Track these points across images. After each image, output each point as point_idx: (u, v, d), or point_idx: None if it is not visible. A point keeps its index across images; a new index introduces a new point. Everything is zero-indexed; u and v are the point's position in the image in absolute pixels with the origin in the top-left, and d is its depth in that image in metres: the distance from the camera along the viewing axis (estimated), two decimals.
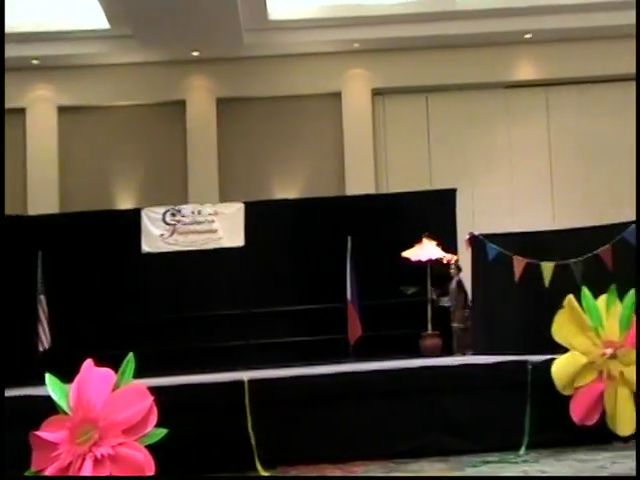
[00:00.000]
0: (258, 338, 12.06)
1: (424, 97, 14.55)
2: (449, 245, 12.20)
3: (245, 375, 7.91)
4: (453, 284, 11.02)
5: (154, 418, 5.96)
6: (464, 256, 11.58)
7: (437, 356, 11.14)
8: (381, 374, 7.91)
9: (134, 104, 14.25)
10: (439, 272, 11.82)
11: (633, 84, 14.35)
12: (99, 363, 6.17)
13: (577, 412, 7.64)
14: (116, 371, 6.09)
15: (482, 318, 10.94)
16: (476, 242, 11.08)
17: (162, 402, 6.10)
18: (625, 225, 10.34)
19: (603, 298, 7.93)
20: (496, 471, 6.90)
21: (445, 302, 11.86)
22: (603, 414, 7.65)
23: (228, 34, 13.33)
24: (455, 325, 10.85)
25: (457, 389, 7.85)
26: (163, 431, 5.96)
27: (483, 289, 11.01)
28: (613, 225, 10.56)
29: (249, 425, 7.27)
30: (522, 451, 7.48)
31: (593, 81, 14.35)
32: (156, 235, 12.48)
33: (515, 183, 14.32)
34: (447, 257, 11.75)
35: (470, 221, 13.68)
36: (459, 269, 10.99)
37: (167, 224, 12.56)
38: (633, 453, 7.32)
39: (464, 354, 10.55)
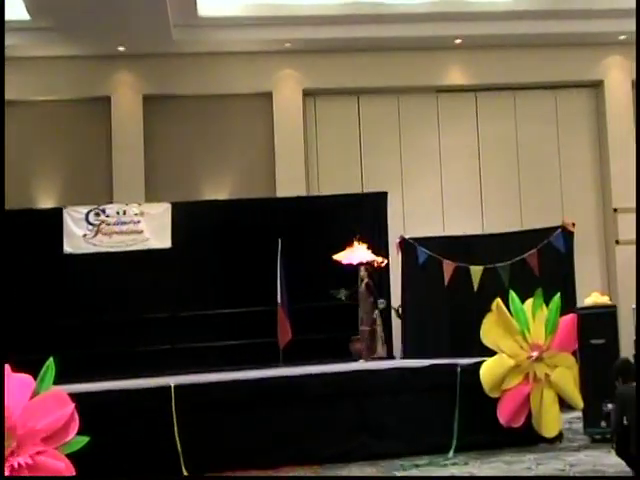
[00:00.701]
0: (185, 342, 11.95)
1: (355, 99, 14.68)
2: (380, 248, 12.35)
3: (171, 380, 7.87)
4: (362, 287, 10.95)
5: (75, 425, 5.87)
6: (395, 260, 11.74)
7: (367, 360, 11.24)
8: (310, 378, 7.97)
9: (57, 99, 13.94)
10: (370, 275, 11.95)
11: (563, 92, 14.84)
12: (17, 368, 6.02)
13: (504, 414, 7.86)
14: (35, 377, 5.97)
15: (412, 322, 11.12)
16: (406, 246, 11.27)
17: (84, 409, 6.03)
18: (551, 230, 10.69)
19: (530, 302, 8.18)
20: (425, 474, 7.04)
21: (379, 304, 11.99)
22: (529, 416, 7.89)
23: (156, 29, 13.17)
24: (363, 328, 10.80)
25: (386, 392, 7.98)
26: (85, 439, 5.87)
27: (413, 293, 11.19)
28: (539, 230, 10.89)
29: (175, 431, 7.24)
30: (451, 454, 7.65)
31: (523, 87, 14.73)
32: (79, 235, 12.26)
33: (446, 187, 14.58)
34: (378, 260, 11.89)
35: (401, 225, 13.86)
36: (367, 272, 10.96)
37: (90, 224, 12.36)
38: (558, 454, 7.59)
39: (369, 359, 10.55)
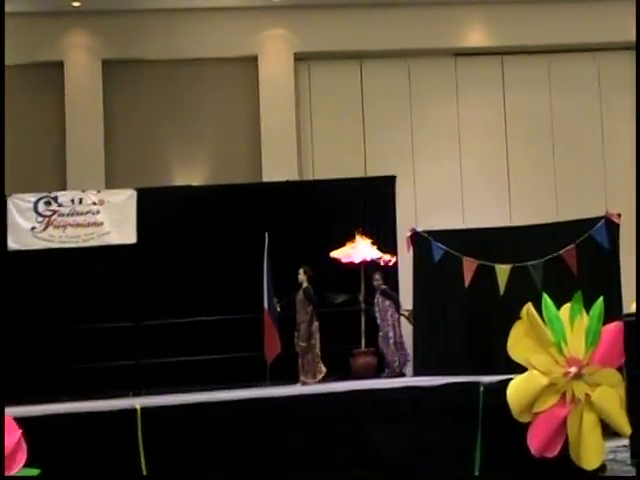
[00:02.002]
0: (152, 357, 11.93)
1: (358, 65, 14.66)
2: (387, 244, 12.34)
3: (137, 402, 7.84)
4: (300, 294, 10.88)
5: (22, 455, 5.92)
6: (405, 257, 11.73)
7: (370, 377, 11.24)
8: (301, 400, 7.93)
9: None
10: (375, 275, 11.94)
11: (605, 55, 14.81)
12: None
13: (536, 442, 7.82)
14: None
15: (424, 331, 11.10)
16: (419, 240, 11.23)
17: (33, 436, 6.04)
18: (592, 221, 10.66)
19: (567, 307, 8.15)
20: None
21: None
22: (565, 444, 7.87)
23: None
24: (300, 344, 10.71)
25: (393, 417, 7.94)
26: (34, 471, 5.91)
27: (427, 296, 11.17)
28: (578, 221, 10.87)
29: (142, 462, 7.23)
30: None
31: (558, 50, 14.71)
32: (26, 228, 12.26)
33: (466, 170, 14.57)
34: (384, 258, 11.88)
35: (412, 215, 13.85)
36: (307, 274, 10.87)
37: (40, 215, 12.36)
38: None
39: (305, 383, 10.52)
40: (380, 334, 11.20)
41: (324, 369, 10.79)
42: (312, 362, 10.75)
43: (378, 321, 11.24)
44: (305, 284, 11.00)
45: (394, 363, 11.13)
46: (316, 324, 10.84)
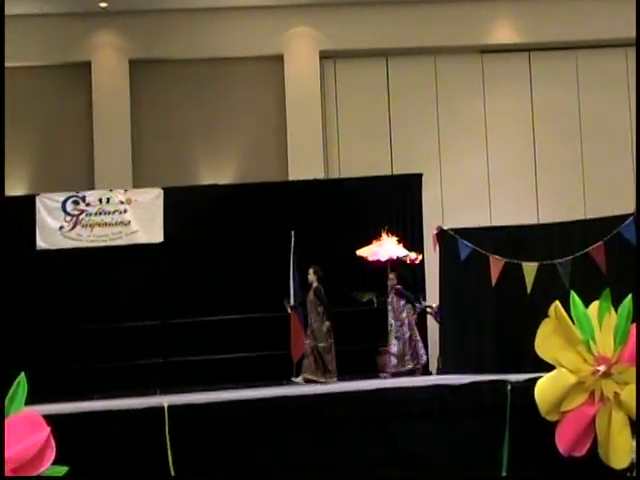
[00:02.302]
0: (180, 355, 11.99)
1: (384, 62, 14.64)
2: (413, 242, 12.32)
3: (165, 400, 7.89)
4: (310, 294, 10.80)
5: (51, 453, 5.91)
6: (431, 255, 11.70)
7: (397, 375, 11.24)
8: (328, 398, 7.94)
9: (27, 66, 14.01)
10: (401, 273, 11.92)
11: (634, 50, 14.67)
12: None
13: (564, 441, 7.79)
14: (3, 396, 6.02)
15: (451, 330, 11.07)
16: (446, 238, 11.19)
17: (62, 434, 6.05)
18: (621, 218, 10.58)
19: (595, 305, 8.10)
20: None
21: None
22: (594, 443, 7.82)
23: None
24: (319, 345, 10.57)
25: (420, 415, 7.93)
26: (62, 469, 5.91)
27: (453, 295, 11.14)
28: (607, 218, 10.78)
29: (170, 461, 7.26)
30: None
31: (587, 46, 14.61)
32: (54, 228, 12.34)
33: (493, 167, 14.50)
34: (411, 256, 11.86)
35: (439, 213, 13.82)
36: (317, 274, 10.78)
37: (68, 214, 12.44)
38: None
39: (311, 381, 10.41)
40: (391, 333, 11.20)
41: (332, 371, 10.68)
42: (332, 361, 10.69)
43: (391, 320, 11.23)
44: (315, 284, 10.89)
45: (399, 364, 11.12)
46: (327, 324, 10.73)
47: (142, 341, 12.04)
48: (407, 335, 11.24)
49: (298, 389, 9.37)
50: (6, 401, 6.01)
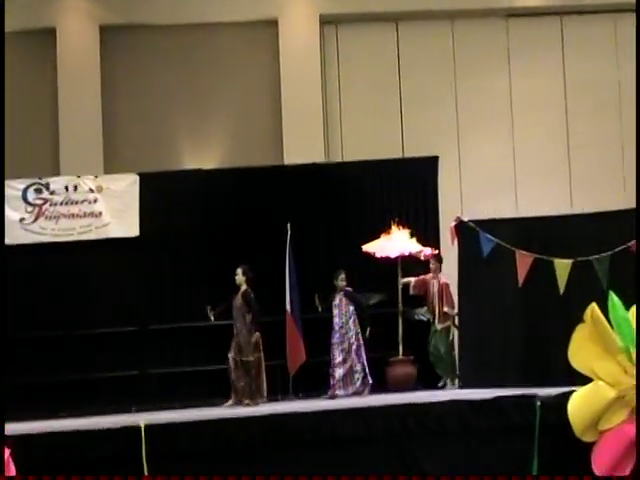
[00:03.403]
0: (159, 366, 12.01)
1: (393, 28, 14.63)
2: (428, 235, 12.31)
3: (141, 418, 7.92)
4: (237, 298, 10.67)
5: (10, 474, 6.00)
6: (449, 250, 11.71)
7: (410, 390, 11.25)
8: (331, 415, 7.98)
9: None
10: (413, 272, 11.95)
11: None
12: None
13: (602, 463, 7.81)
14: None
15: (471, 337, 11.09)
16: (465, 231, 11.20)
17: (23, 456, 6.14)
18: None
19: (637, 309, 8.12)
20: None
21: (422, 315, 12.00)
22: (637, 466, 7.84)
23: None
24: (242, 358, 10.44)
25: (436, 434, 7.96)
26: None
27: (474, 295, 11.16)
28: None
29: None
30: None
31: (625, 9, 14.57)
32: (13, 220, 12.33)
33: (519, 149, 14.50)
34: (425, 252, 11.87)
35: (457, 202, 13.83)
36: (246, 275, 10.72)
37: (29, 204, 12.44)
38: None
39: (244, 403, 10.26)
40: (334, 342, 10.99)
41: (262, 389, 10.53)
42: (252, 382, 10.46)
43: (335, 327, 11.04)
44: (244, 287, 10.80)
45: (346, 383, 10.89)
46: (256, 335, 10.60)
47: (116, 350, 12.03)
48: (354, 348, 10.93)
49: (294, 405, 9.39)
50: None
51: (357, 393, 10.83)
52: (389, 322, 11.71)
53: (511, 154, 14.54)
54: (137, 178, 12.52)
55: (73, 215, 12.44)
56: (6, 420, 7.72)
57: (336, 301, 11.19)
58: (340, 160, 14.10)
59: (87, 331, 12.05)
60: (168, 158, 14.01)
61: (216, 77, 14.34)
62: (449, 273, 11.90)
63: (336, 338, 11.06)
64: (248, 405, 10.22)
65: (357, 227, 12.36)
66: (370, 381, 10.92)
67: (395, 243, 11.73)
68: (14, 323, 11.97)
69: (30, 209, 12.44)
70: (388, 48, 14.66)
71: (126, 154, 13.99)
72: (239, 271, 10.89)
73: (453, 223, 11.26)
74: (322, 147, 14.17)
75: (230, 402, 10.45)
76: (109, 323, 12.09)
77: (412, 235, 11.93)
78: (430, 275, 11.82)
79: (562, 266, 10.46)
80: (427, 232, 12.41)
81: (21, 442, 6.86)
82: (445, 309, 11.65)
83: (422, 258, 11.88)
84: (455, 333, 11.82)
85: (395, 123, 14.49)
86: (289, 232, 11.63)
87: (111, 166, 13.80)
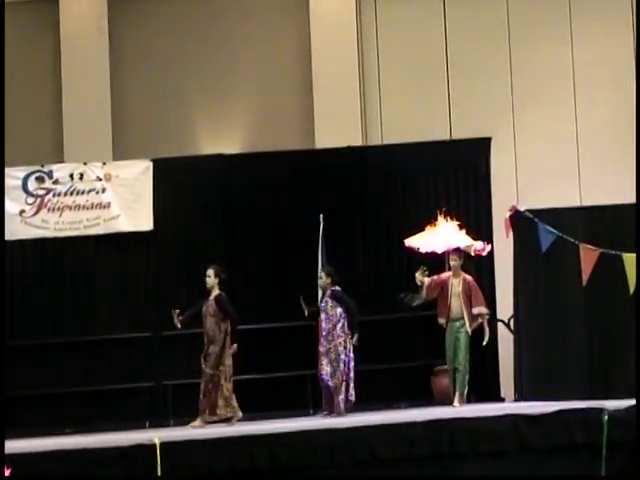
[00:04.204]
0: (175, 376, 12.06)
1: None
2: (479, 227, 12.27)
3: (156, 435, 7.93)
4: (210, 304, 10.41)
5: None
6: (503, 244, 11.65)
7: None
8: (370, 431, 7.96)
9: None
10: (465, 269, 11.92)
11: None
12: None
13: None
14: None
15: (529, 342, 11.04)
16: (522, 222, 11.15)
17: (26, 477, 6.13)
18: None
19: None
20: None
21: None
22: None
23: None
24: (207, 370, 10.27)
25: (491, 454, 7.93)
26: None
27: (532, 295, 11.11)
28: None
29: None
30: None
31: None
32: (12, 212, 12.42)
33: (582, 128, 14.39)
34: (476, 246, 11.82)
35: (512, 189, 13.75)
36: (219, 276, 10.47)
37: (30, 195, 12.52)
38: None
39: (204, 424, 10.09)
40: (321, 351, 10.69)
41: (236, 407, 10.33)
42: (220, 396, 10.27)
43: (322, 332, 10.74)
44: (216, 291, 10.56)
45: (336, 400, 10.57)
46: (234, 347, 10.38)
47: (127, 358, 12.10)
48: (341, 357, 10.61)
49: (326, 421, 9.39)
50: None
51: (337, 413, 10.48)
52: (433, 327, 11.64)
53: (573, 135, 14.44)
54: (150, 165, 12.57)
55: (79, 207, 12.50)
56: (6, 437, 7.77)
57: (322, 303, 10.86)
58: (379, 143, 14.07)
59: (93, 337, 12.11)
60: (184, 142, 14.04)
61: (237, 51, 14.33)
62: (503, 270, 11.84)
63: (323, 346, 10.70)
64: (216, 422, 10.07)
65: (398, 218, 12.34)
66: (353, 399, 10.57)
67: (442, 236, 11.68)
68: (12, 329, 12.05)
69: (31, 200, 12.51)
70: (433, 15, 14.59)
71: (137, 138, 14.03)
72: (210, 272, 10.56)
73: (508, 213, 11.21)
74: (359, 128, 14.13)
75: (197, 422, 10.24)
76: (118, 328, 12.15)
77: (461, 227, 11.88)
78: (449, 274, 11.39)
79: (632, 262, 10.41)
80: (478, 224, 12.37)
81: (22, 461, 6.88)
82: (475, 310, 11.21)
83: (472, 254, 11.82)
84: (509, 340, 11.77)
85: (441, 101, 14.43)
86: (321, 224, 11.63)
87: (121, 152, 13.84)
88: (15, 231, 12.36)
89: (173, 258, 12.47)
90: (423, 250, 11.64)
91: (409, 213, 12.34)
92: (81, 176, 12.57)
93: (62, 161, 13.38)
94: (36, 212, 12.48)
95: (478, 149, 12.80)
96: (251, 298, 12.29)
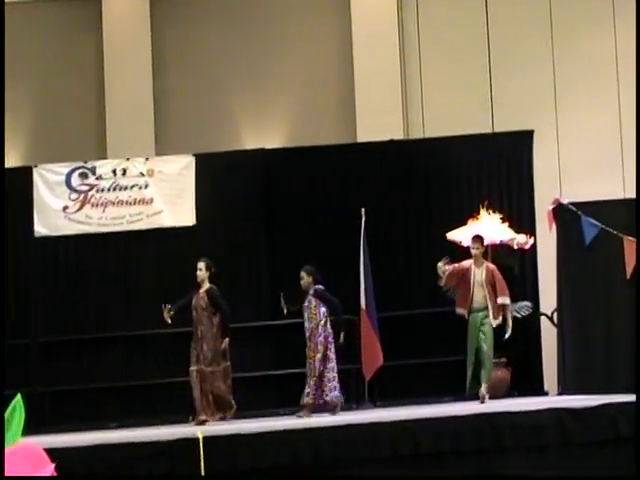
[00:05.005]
0: None
1: None
2: (522, 220, 12.20)
3: (199, 430, 7.96)
4: (201, 297, 10.32)
5: None
6: (546, 238, 11.58)
7: (502, 396, 11.17)
8: (411, 426, 7.95)
9: (20, 0, 14.18)
10: (505, 263, 11.84)
11: None
12: None
13: None
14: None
15: (573, 336, 10.98)
16: (565, 215, 11.09)
17: (69, 472, 6.21)
18: None
19: None
20: None
21: (516, 311, 11.87)
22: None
23: None
24: (204, 368, 10.09)
25: (534, 447, 7.89)
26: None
27: (575, 289, 11.04)
28: None
29: None
30: None
31: None
32: (56, 208, 12.48)
33: (627, 120, 14.26)
34: (519, 240, 11.76)
35: (555, 182, 13.66)
36: (209, 270, 10.36)
37: (74, 191, 12.57)
38: None
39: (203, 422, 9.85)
40: (309, 350, 10.34)
41: (234, 405, 10.21)
42: (227, 391, 10.16)
43: (306, 333, 10.43)
44: (207, 285, 10.43)
45: (319, 397, 10.24)
46: (226, 341, 10.25)
47: (169, 352, 12.12)
48: (318, 357, 10.25)
49: (370, 415, 9.38)
50: None
51: (328, 410, 10.17)
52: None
53: (616, 127, 14.31)
54: (192, 160, 12.59)
55: (122, 202, 12.54)
56: (50, 431, 7.84)
57: (305, 302, 10.52)
58: (421, 136, 14.02)
59: (136, 332, 12.15)
60: (226, 137, 14.05)
61: (279, 45, 14.32)
62: (546, 263, 11.78)
63: (307, 346, 10.38)
64: (207, 422, 9.87)
65: (440, 212, 12.30)
66: (341, 399, 10.25)
67: (484, 230, 11.64)
68: (55, 324, 12.14)
69: (74, 196, 12.56)
70: (475, 8, 14.51)
71: (180, 133, 14.05)
72: (201, 265, 10.46)
73: (551, 206, 11.14)
74: (400, 122, 14.09)
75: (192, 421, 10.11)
76: (161, 323, 12.15)
77: (503, 220, 11.82)
78: (470, 262, 10.77)
79: None
80: (521, 217, 12.31)
81: (66, 456, 6.92)
82: (500, 300, 10.60)
83: (515, 247, 11.76)
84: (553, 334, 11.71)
85: (483, 93, 14.35)
86: (363, 218, 11.61)
87: (163, 147, 13.88)
88: (59, 227, 12.42)
89: (215, 252, 12.47)
90: (465, 244, 11.59)
91: (451, 207, 12.29)
92: (124, 172, 12.61)
93: (105, 157, 13.43)
94: (79, 208, 12.52)
95: (520, 142, 12.75)
96: (293, 293, 12.26)
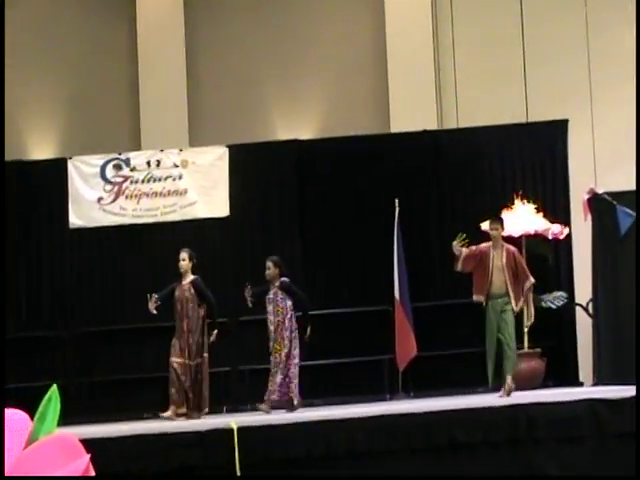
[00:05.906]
0: (251, 362, 12.09)
1: None
2: (556, 210, 12.14)
3: (233, 420, 7.98)
4: (185, 288, 10.13)
5: None
6: (581, 228, 11.52)
7: (536, 387, 11.13)
8: (446, 417, 7.94)
9: None
10: (540, 253, 11.79)
11: None
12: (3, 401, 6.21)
13: None
14: (31, 415, 6.14)
15: (609, 327, 10.93)
16: (600, 205, 11.03)
17: (105, 461, 6.22)
18: None
19: None
20: None
21: (550, 301, 11.83)
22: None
23: None
24: (187, 362, 9.88)
25: (569, 439, 7.87)
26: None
27: (611, 280, 10.98)
28: None
29: None
30: None
31: None
32: (91, 200, 12.52)
33: None
34: (554, 230, 11.70)
35: (590, 171, 13.58)
36: (192, 260, 10.16)
37: (108, 182, 12.61)
38: None
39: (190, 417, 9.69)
40: (276, 344, 10.14)
41: (207, 404, 9.99)
42: (199, 389, 9.98)
43: (270, 327, 10.20)
44: (190, 275, 10.28)
45: (282, 394, 9.97)
46: (215, 333, 10.10)
47: None
48: (285, 351, 10.04)
49: (403, 406, 9.36)
50: (35, 420, 6.15)
51: (289, 407, 9.86)
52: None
53: None
54: (226, 151, 12.60)
55: (156, 194, 12.57)
56: (85, 422, 7.88)
57: (270, 294, 10.27)
58: (455, 126, 13.97)
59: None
60: (260, 128, 14.05)
61: (312, 35, 14.31)
62: (581, 254, 11.72)
63: (271, 340, 10.19)
64: (189, 417, 9.74)
65: (474, 202, 12.25)
66: (293, 397, 9.89)
67: (519, 220, 11.59)
68: (91, 315, 12.19)
69: (109, 188, 12.59)
70: None
71: (213, 124, 14.07)
72: (184, 256, 10.33)
73: (586, 196, 11.08)
74: (434, 111, 14.05)
75: (168, 413, 9.88)
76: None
77: (538, 210, 11.76)
78: (488, 244, 10.26)
79: None
80: (556, 207, 12.24)
81: (102, 446, 6.97)
82: (528, 284, 10.12)
83: (550, 237, 11.70)
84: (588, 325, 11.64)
85: (517, 83, 14.28)
86: (397, 209, 11.59)
87: (197, 138, 13.90)
88: (93, 218, 12.46)
89: (249, 244, 12.50)
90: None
91: (485, 196, 12.25)
92: (158, 163, 12.63)
93: (139, 149, 13.47)
94: (114, 199, 12.55)
95: (555, 131, 12.69)
96: (326, 284, 12.29)
